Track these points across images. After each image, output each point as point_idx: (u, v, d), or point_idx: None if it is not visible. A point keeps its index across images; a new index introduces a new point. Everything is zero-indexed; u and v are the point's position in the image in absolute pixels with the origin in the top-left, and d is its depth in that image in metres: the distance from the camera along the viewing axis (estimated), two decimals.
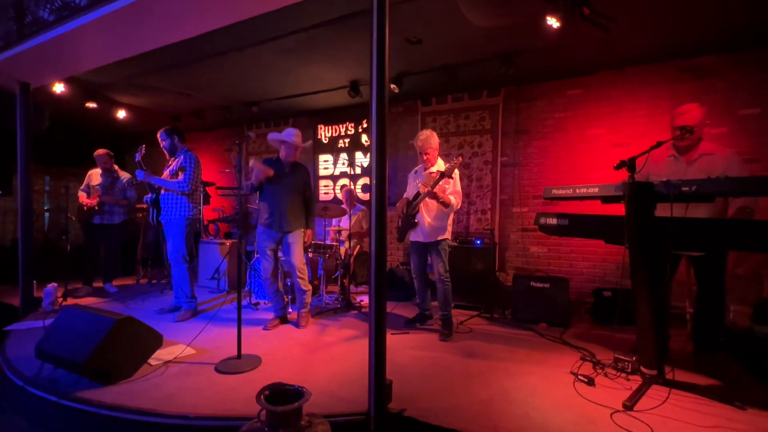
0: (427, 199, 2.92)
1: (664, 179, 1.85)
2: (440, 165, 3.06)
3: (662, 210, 1.91)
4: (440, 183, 2.82)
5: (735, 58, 3.33)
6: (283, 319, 3.21)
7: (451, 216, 3.05)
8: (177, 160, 3.34)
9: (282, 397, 1.49)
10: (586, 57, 3.53)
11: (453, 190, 2.90)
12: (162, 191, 3.32)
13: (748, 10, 2.67)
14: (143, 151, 3.43)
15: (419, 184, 3.00)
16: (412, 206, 3.00)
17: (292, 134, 3.09)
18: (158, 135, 3.39)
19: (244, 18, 2.58)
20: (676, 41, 3.21)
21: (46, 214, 6.39)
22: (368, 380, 1.77)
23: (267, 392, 1.48)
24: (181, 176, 3.24)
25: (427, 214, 2.99)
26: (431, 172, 3.00)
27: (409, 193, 3.19)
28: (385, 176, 1.78)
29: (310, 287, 3.22)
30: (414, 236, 3.06)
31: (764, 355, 2.32)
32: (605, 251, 3.81)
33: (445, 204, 2.84)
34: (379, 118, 1.74)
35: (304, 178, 3.21)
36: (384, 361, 1.78)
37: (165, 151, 3.40)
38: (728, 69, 3.36)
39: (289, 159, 3.12)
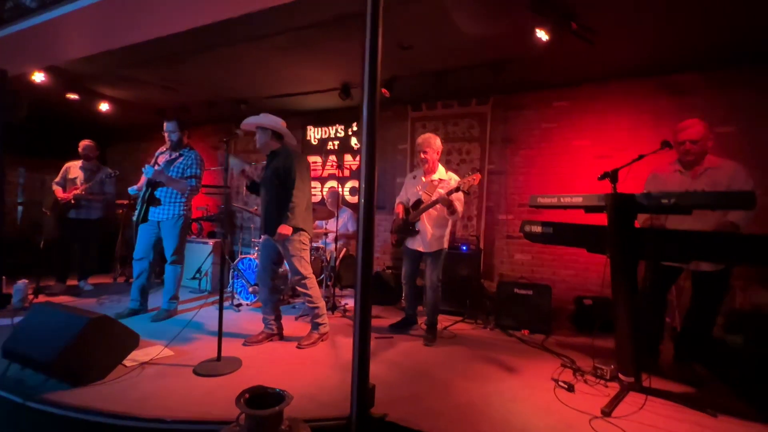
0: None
1: None
2: (441, 172, 3.02)
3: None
4: (454, 194, 2.76)
5: (712, 77, 3.47)
6: (278, 336, 2.83)
7: (450, 224, 3.02)
8: (182, 157, 3.22)
9: (263, 400, 1.46)
10: (572, 69, 3.62)
11: (456, 197, 2.82)
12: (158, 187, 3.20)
13: (726, 30, 2.78)
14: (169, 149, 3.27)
15: (421, 193, 2.98)
16: (414, 215, 2.95)
17: (260, 115, 2.73)
18: (165, 125, 3.21)
19: (235, 15, 2.56)
20: (656, 58, 3.32)
21: (20, 208, 6.15)
22: (351, 385, 1.74)
23: (247, 395, 1.45)
24: (191, 180, 3.19)
25: (428, 224, 2.94)
26: (433, 180, 2.98)
27: (405, 197, 3.16)
28: (374, 180, 1.77)
29: (318, 303, 2.75)
30: (412, 244, 3.02)
31: (736, 365, 2.41)
32: (586, 260, 3.89)
33: (453, 211, 2.78)
34: (370, 121, 1.74)
35: (280, 165, 2.64)
36: (367, 366, 1.76)
37: (168, 142, 3.26)
38: (706, 87, 3.50)
39: (264, 148, 2.74)
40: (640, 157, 2.06)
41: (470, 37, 2.84)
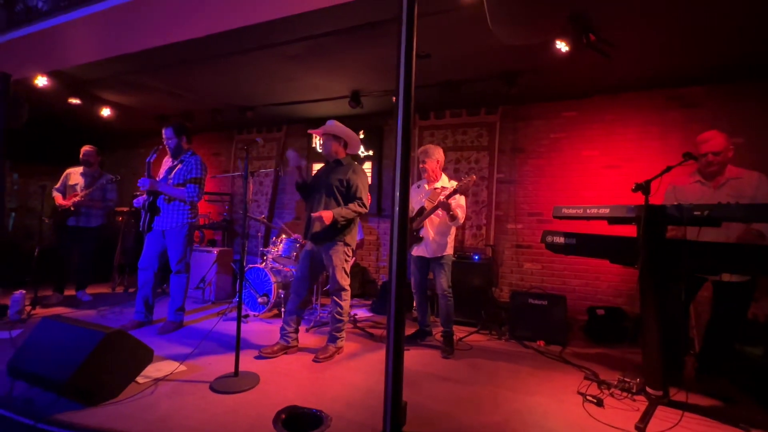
0: (432, 214, 2.89)
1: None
2: (444, 181, 3.05)
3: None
4: (453, 197, 2.78)
5: (718, 90, 3.53)
6: (286, 348, 2.72)
7: (453, 231, 3.03)
8: (182, 164, 3.14)
9: (298, 421, 1.40)
10: (582, 81, 3.65)
11: (456, 204, 2.85)
12: (159, 195, 3.11)
13: (732, 46, 2.84)
14: (157, 154, 3.13)
15: (424, 201, 2.97)
16: (418, 221, 2.95)
17: (329, 122, 2.75)
18: (163, 131, 3.13)
19: (254, 23, 2.53)
20: (664, 71, 3.37)
21: (12, 214, 5.95)
22: (384, 403, 1.68)
23: (284, 416, 1.38)
24: (190, 185, 3.08)
25: (431, 230, 2.95)
26: (435, 188, 2.98)
27: (409, 207, 3.15)
28: (408, 191, 1.73)
29: (345, 318, 2.72)
30: (417, 251, 3.01)
31: (758, 377, 2.40)
32: (597, 270, 3.89)
33: (453, 216, 2.79)
34: (405, 131, 1.70)
35: (345, 177, 2.67)
36: (401, 384, 1.68)
37: (168, 150, 3.18)
38: (713, 99, 3.56)
39: (330, 154, 2.78)
40: (668, 168, 2.06)
41: (489, 47, 2.84)
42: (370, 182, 4.96)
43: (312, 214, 2.61)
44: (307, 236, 2.71)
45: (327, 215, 2.52)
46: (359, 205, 2.65)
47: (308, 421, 1.38)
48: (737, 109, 3.46)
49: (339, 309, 2.70)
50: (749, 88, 3.41)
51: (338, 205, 2.66)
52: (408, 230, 1.74)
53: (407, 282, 3.61)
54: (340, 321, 2.71)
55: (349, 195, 2.67)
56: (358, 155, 5.01)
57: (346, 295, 2.71)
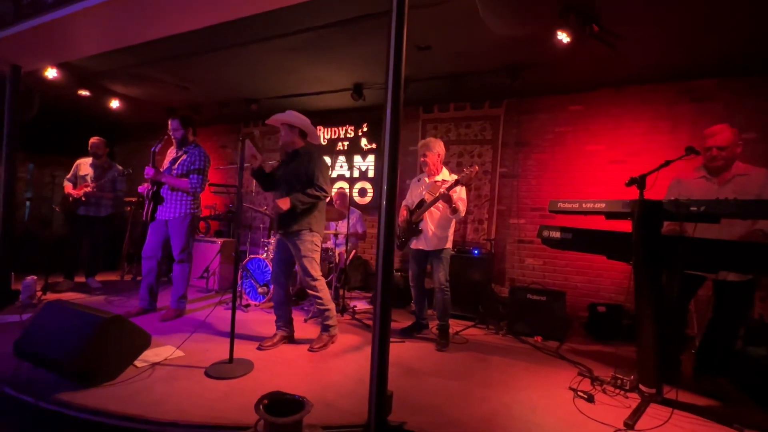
0: (432, 207, 2.89)
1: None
2: (445, 174, 3.03)
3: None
4: (454, 188, 2.76)
5: (732, 83, 3.42)
6: (289, 338, 2.79)
7: (453, 225, 3.02)
8: (186, 155, 3.19)
9: (281, 406, 1.42)
10: (588, 74, 3.58)
11: (458, 197, 2.83)
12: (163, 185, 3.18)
13: (748, 39, 2.74)
14: (162, 144, 3.18)
15: (424, 193, 2.97)
16: (417, 214, 2.96)
17: (287, 112, 2.69)
18: (170, 123, 3.18)
19: (253, 13, 2.53)
20: (676, 64, 3.28)
21: (27, 203, 6.15)
22: (369, 391, 1.70)
23: (266, 401, 1.41)
24: (193, 176, 3.14)
25: (431, 223, 2.95)
26: (436, 181, 2.97)
27: (410, 200, 3.16)
28: (396, 183, 1.74)
29: (329, 306, 2.71)
30: (416, 244, 3.02)
31: (759, 377, 2.34)
32: (599, 266, 3.84)
33: (455, 209, 2.77)
34: (394, 123, 1.71)
35: (303, 166, 2.63)
36: (386, 373, 1.72)
37: (173, 141, 3.23)
38: (726, 93, 3.45)
39: (288, 144, 2.73)
40: (667, 163, 2.01)
41: (490, 39, 2.79)
42: (372, 175, 4.97)
43: (283, 237, 2.64)
44: (278, 230, 2.70)
45: (283, 202, 2.52)
46: (317, 190, 2.60)
47: (290, 406, 1.41)
48: (751, 103, 3.35)
49: (319, 300, 2.69)
50: (764, 82, 3.29)
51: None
52: (395, 220, 1.75)
53: (405, 275, 3.64)
54: (326, 310, 2.71)
55: (308, 184, 2.62)
56: (361, 147, 5.02)
57: (320, 284, 2.67)
